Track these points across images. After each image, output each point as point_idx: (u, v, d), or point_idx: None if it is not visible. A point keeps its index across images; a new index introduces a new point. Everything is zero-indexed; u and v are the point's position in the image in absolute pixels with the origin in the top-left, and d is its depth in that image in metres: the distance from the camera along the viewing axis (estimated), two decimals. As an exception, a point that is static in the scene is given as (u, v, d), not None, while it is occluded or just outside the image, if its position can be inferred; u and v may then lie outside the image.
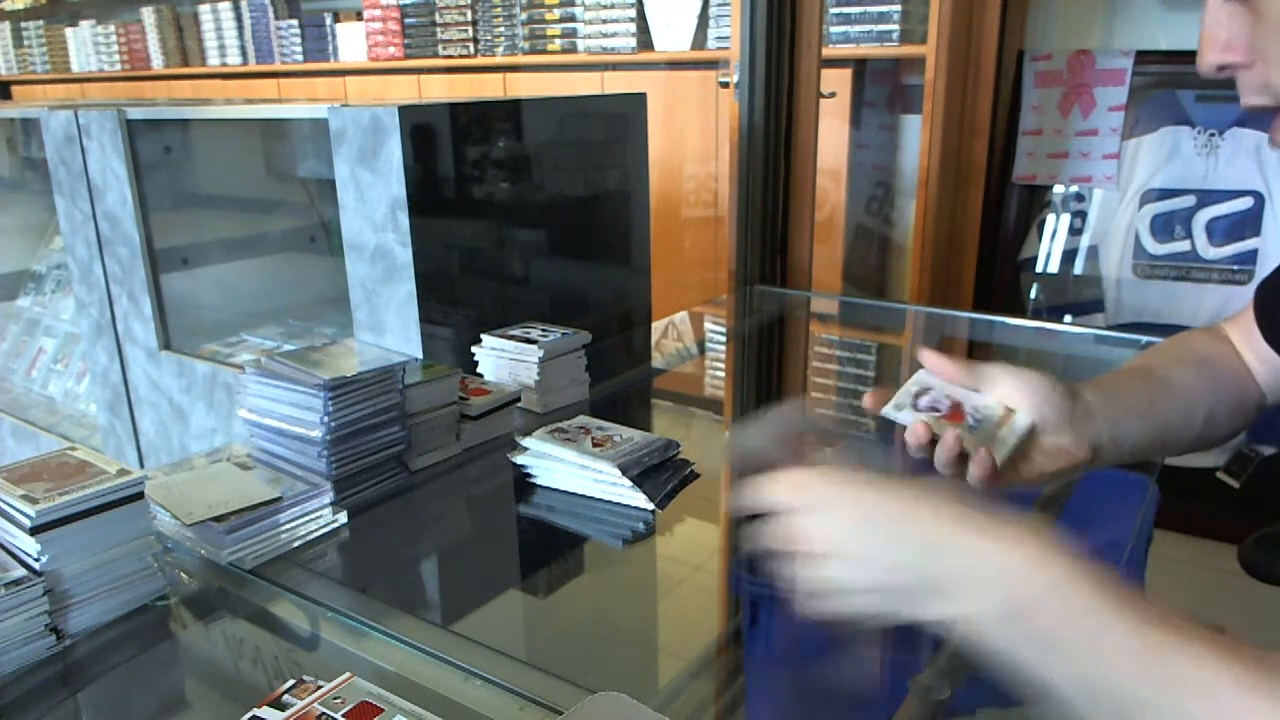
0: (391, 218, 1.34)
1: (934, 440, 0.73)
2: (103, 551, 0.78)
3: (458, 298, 1.44)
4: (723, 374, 1.59)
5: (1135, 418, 0.79)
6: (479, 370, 1.28)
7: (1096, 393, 0.79)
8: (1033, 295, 2.20)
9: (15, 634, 0.72)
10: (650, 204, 1.78)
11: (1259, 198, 1.92)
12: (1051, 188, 2.17)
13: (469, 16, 2.90)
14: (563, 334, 1.27)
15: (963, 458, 0.72)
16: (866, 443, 1.17)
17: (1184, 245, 1.98)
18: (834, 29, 2.17)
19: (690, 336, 1.75)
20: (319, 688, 0.63)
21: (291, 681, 0.63)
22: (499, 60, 2.90)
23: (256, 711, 0.60)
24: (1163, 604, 0.47)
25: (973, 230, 2.21)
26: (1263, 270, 1.90)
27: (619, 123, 1.71)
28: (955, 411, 0.75)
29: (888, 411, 0.76)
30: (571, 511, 0.99)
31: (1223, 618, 1.25)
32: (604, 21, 2.66)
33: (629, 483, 0.97)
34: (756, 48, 1.78)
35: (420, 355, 1.35)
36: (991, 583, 0.51)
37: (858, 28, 2.15)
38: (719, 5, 2.51)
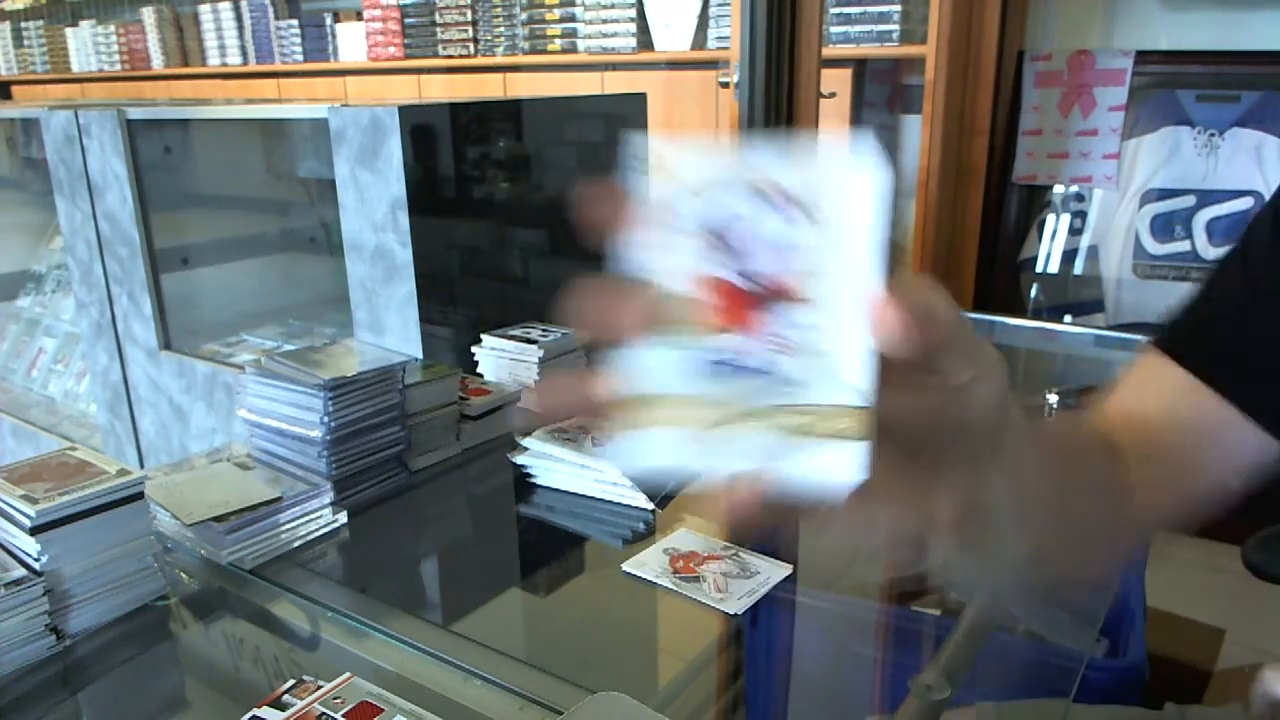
0: (391, 218, 1.34)
1: None
2: (103, 551, 0.78)
3: (458, 298, 1.44)
4: (723, 374, 1.58)
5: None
6: (479, 370, 1.28)
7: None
8: (1033, 295, 2.20)
9: (15, 634, 0.72)
10: (650, 204, 1.78)
11: (1259, 198, 1.91)
12: (1051, 188, 2.17)
13: (469, 16, 2.90)
14: (563, 334, 1.27)
15: None
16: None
17: (1184, 245, 1.98)
18: (834, 29, 2.17)
19: (690, 336, 1.74)
20: (319, 688, 0.63)
21: (291, 681, 0.63)
22: (499, 60, 2.90)
23: (256, 711, 0.60)
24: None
25: (973, 230, 2.21)
26: (1263, 270, 1.89)
27: (619, 123, 1.71)
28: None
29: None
30: (571, 511, 0.99)
31: (1224, 618, 1.25)
32: (604, 21, 2.66)
33: (629, 483, 0.97)
34: (756, 48, 1.78)
35: (420, 355, 1.35)
36: None
37: (858, 28, 2.15)
38: (719, 5, 2.51)
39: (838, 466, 0.29)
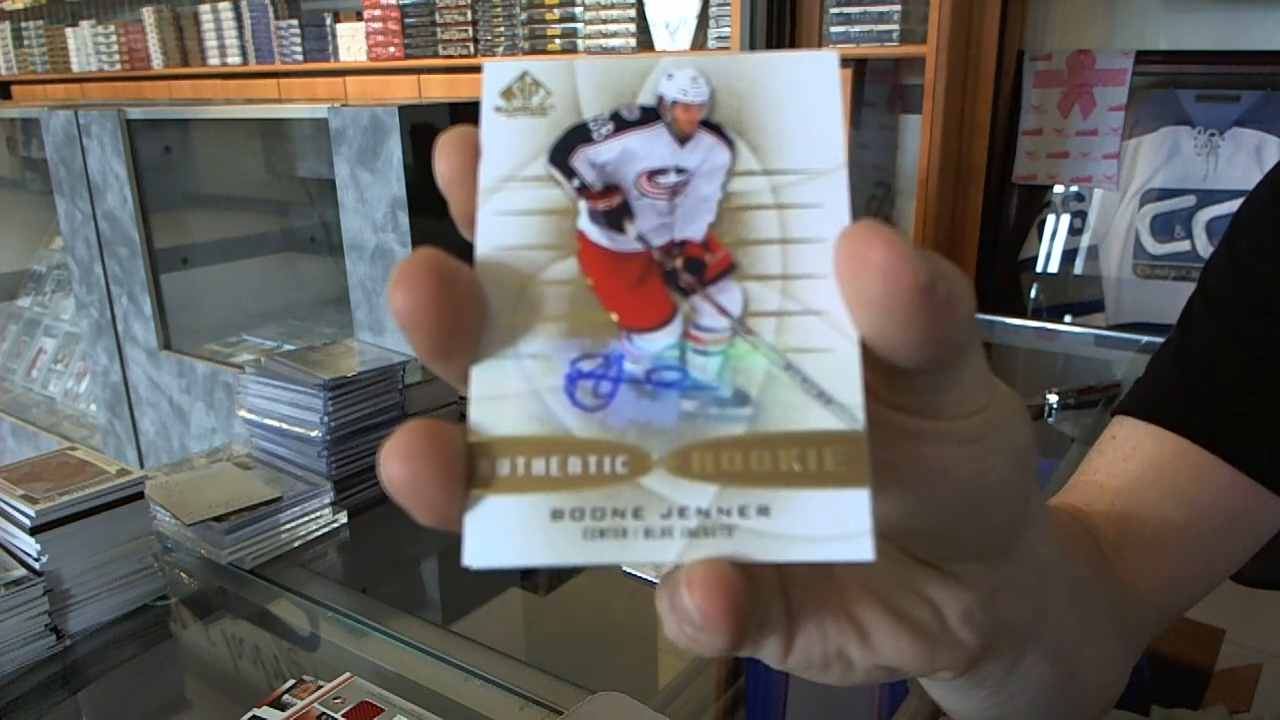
0: (391, 218, 1.34)
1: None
2: (103, 551, 0.78)
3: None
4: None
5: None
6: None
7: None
8: (1033, 295, 2.20)
9: (15, 634, 0.72)
10: (650, 204, 1.78)
11: (1259, 198, 1.91)
12: (1051, 188, 2.17)
13: (469, 16, 2.90)
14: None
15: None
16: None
17: (1184, 245, 1.98)
18: (834, 29, 2.17)
19: (690, 336, 1.75)
20: (319, 688, 0.63)
21: (291, 681, 0.63)
22: (499, 60, 2.91)
23: (256, 711, 0.60)
24: None
25: (973, 230, 2.21)
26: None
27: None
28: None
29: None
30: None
31: (1223, 619, 1.25)
32: (604, 21, 2.66)
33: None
34: (756, 48, 1.78)
35: (420, 355, 1.35)
36: None
37: (858, 28, 2.15)
38: (719, 5, 2.51)
39: (833, 530, 0.18)
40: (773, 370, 0.19)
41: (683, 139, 0.20)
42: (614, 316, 0.19)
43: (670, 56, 0.21)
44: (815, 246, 0.19)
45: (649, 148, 0.20)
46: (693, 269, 0.19)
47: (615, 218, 0.20)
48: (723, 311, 0.19)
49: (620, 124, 0.20)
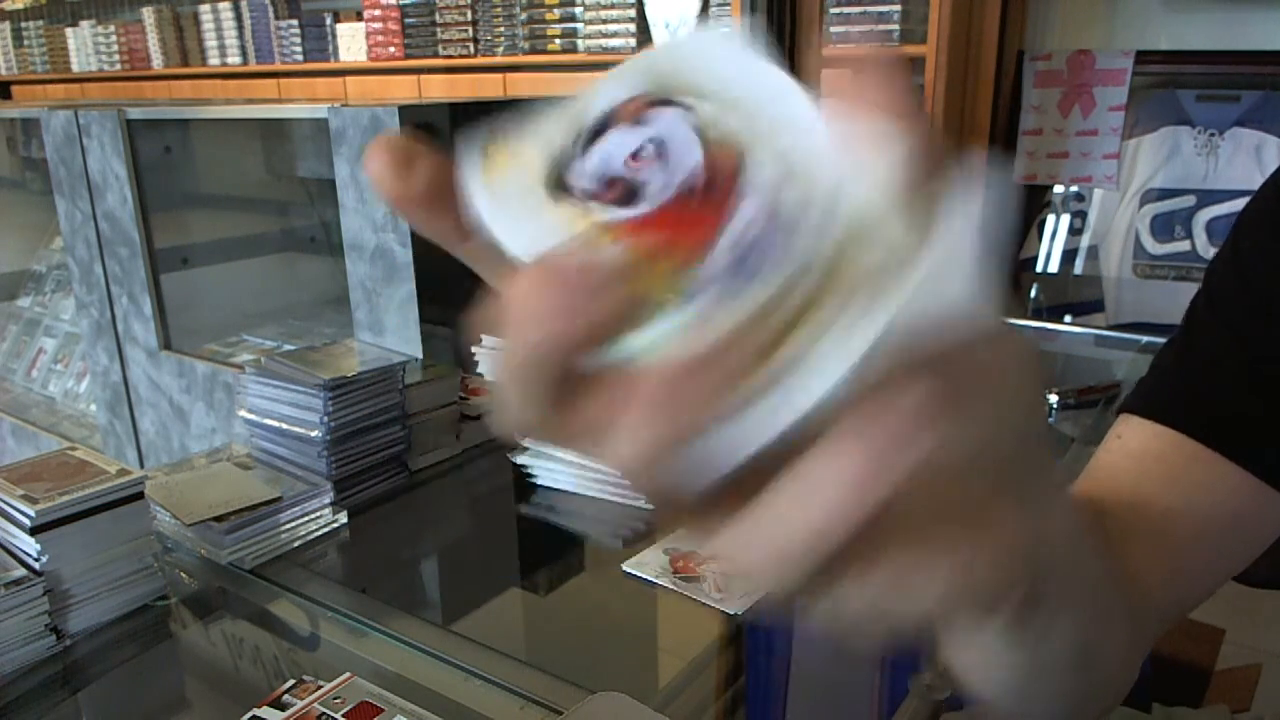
0: (391, 218, 1.34)
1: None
2: (103, 551, 0.78)
3: (457, 298, 1.44)
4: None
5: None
6: (479, 370, 1.28)
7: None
8: (1033, 295, 2.20)
9: (15, 634, 0.72)
10: (650, 204, 1.78)
11: (1259, 198, 1.91)
12: (1051, 188, 2.17)
13: (469, 16, 2.90)
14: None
15: None
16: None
17: (1184, 245, 1.98)
18: (834, 29, 2.17)
19: (690, 336, 1.74)
20: (319, 688, 0.63)
21: (291, 681, 0.63)
22: (499, 60, 2.90)
23: (256, 711, 0.60)
24: None
25: (973, 230, 2.21)
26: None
27: (619, 123, 1.71)
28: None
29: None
30: (571, 511, 0.99)
31: (1223, 619, 1.25)
32: (604, 21, 2.66)
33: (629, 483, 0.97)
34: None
35: (420, 355, 1.35)
36: None
37: (858, 28, 2.15)
38: (719, 5, 2.51)
39: (942, 283, 0.19)
40: (819, 214, 0.20)
41: (641, 122, 0.22)
42: (680, 255, 0.20)
43: (607, 72, 0.23)
44: (800, 129, 0.21)
45: (619, 141, 0.22)
46: (709, 190, 0.21)
47: (626, 199, 0.21)
48: (752, 207, 0.20)
49: (589, 138, 0.22)
